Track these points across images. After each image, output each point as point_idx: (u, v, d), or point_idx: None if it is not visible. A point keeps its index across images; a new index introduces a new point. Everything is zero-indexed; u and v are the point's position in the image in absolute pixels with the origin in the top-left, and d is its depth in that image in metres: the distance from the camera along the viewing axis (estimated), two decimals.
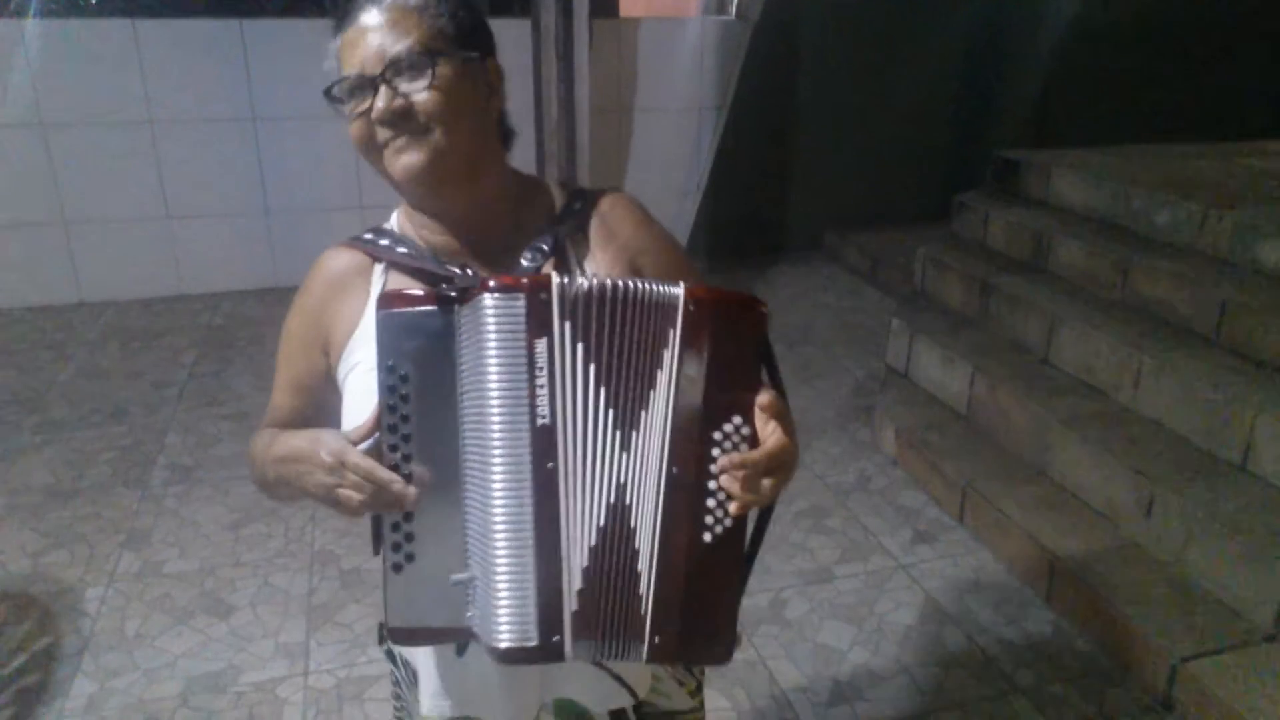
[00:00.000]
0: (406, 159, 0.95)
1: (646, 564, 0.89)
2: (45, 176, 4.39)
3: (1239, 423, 2.53)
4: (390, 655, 1.19)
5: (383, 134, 0.95)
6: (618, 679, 1.09)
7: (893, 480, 3.15)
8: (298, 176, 4.75)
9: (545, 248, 1.03)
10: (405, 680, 1.18)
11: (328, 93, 0.97)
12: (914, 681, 2.25)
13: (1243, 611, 2.26)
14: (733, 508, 0.89)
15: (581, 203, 1.08)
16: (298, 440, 0.95)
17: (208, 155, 4.58)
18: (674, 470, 0.89)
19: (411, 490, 0.88)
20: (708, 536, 0.89)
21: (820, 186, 5.44)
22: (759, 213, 5.47)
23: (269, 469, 1.01)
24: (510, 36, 4.79)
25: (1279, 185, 3.70)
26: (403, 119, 0.94)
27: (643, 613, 0.90)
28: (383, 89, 0.93)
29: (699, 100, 5.21)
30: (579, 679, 1.09)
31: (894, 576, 2.64)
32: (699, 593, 0.90)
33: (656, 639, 0.90)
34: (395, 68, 0.93)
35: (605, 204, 1.09)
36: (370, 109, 0.94)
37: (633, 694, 1.11)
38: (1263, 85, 5.82)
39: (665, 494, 0.89)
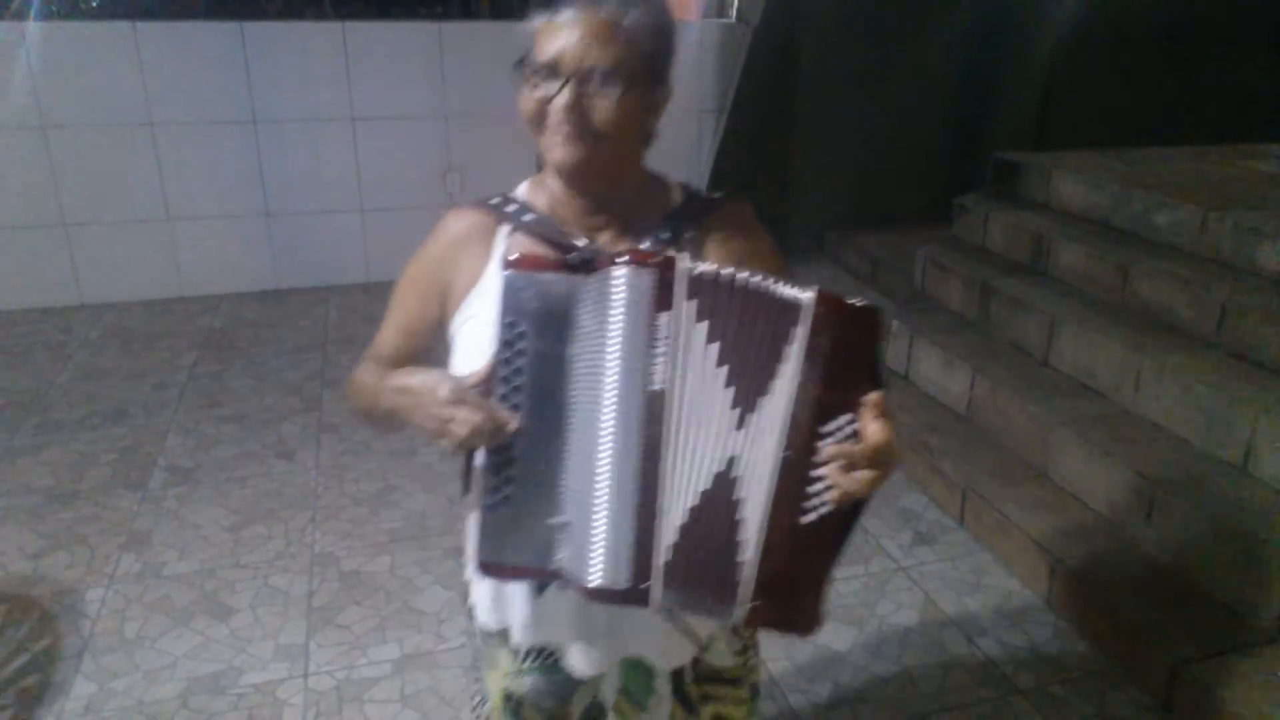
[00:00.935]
0: (565, 153, 1.03)
1: (751, 536, 0.96)
2: (46, 178, 4.39)
3: (1239, 425, 2.53)
4: (471, 614, 1.28)
5: (554, 120, 1.02)
6: (686, 632, 1.17)
7: (893, 482, 3.12)
8: (298, 179, 4.75)
9: (665, 237, 1.11)
10: (481, 635, 1.26)
11: (518, 65, 1.04)
12: (914, 683, 2.25)
13: (1243, 613, 2.26)
14: (831, 495, 0.96)
15: (699, 204, 1.16)
16: (417, 377, 1.03)
17: (208, 157, 4.58)
18: (788, 455, 0.95)
19: (511, 427, 0.96)
20: (807, 519, 0.97)
21: (820, 188, 5.44)
22: (759, 214, 5.45)
23: (383, 397, 1.08)
24: (511, 38, 4.79)
25: (1279, 186, 3.70)
26: (577, 119, 1.01)
27: (741, 579, 0.97)
28: (570, 87, 1.00)
29: (699, 102, 5.22)
30: (649, 636, 1.17)
31: (894, 578, 2.64)
32: (795, 568, 0.98)
33: (754, 605, 0.97)
34: (589, 75, 1.00)
35: (723, 209, 1.17)
36: (551, 97, 1.01)
37: (697, 644, 1.20)
38: (1263, 87, 5.82)
39: (779, 477, 0.96)
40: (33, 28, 4.21)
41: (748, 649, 1.28)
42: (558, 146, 1.03)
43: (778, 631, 1.02)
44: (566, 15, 1.00)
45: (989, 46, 5.46)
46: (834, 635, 2.40)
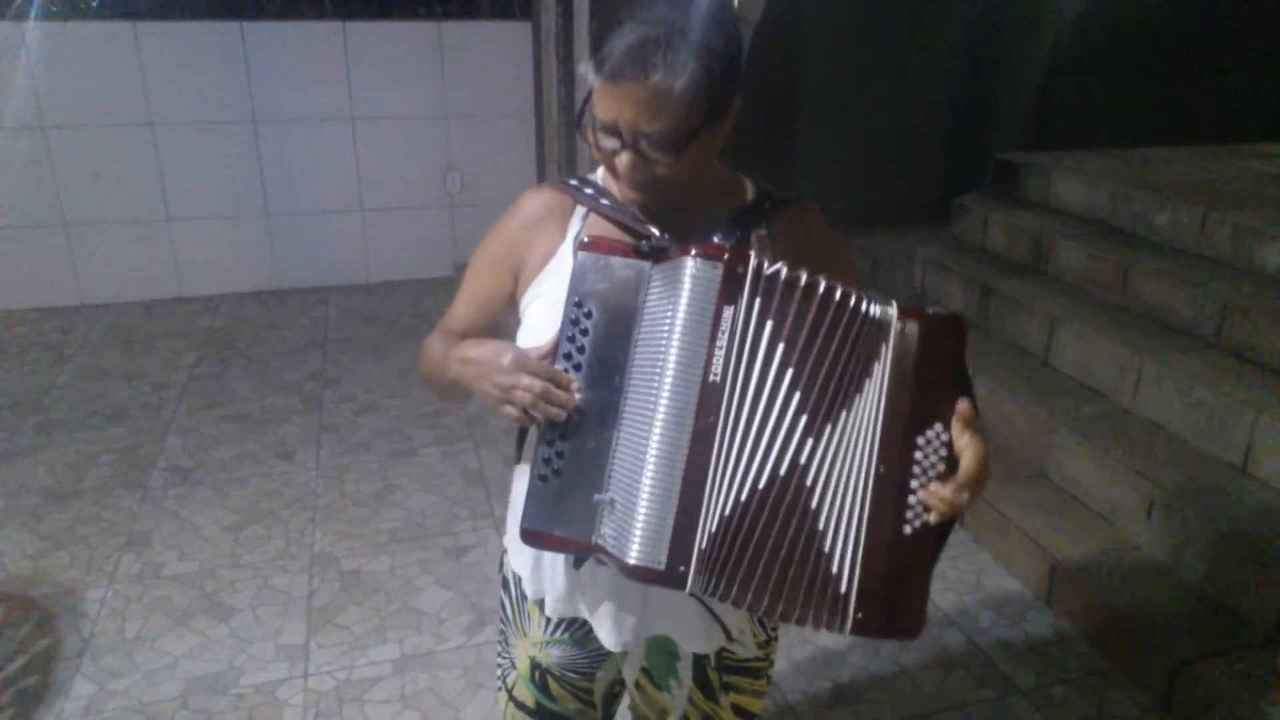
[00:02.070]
0: (632, 197, 1.07)
1: (841, 546, 0.97)
2: (46, 178, 4.39)
3: (1239, 425, 2.53)
4: (505, 583, 1.31)
5: (618, 170, 1.04)
6: (716, 619, 1.19)
7: None
8: (298, 179, 4.75)
9: (736, 233, 1.12)
10: (514, 601, 1.29)
11: (579, 121, 1.06)
12: (914, 683, 2.25)
13: (1243, 614, 2.26)
14: (932, 519, 0.98)
15: (771, 203, 1.17)
16: (482, 347, 1.05)
17: (208, 157, 4.59)
18: (881, 470, 0.97)
19: (576, 396, 0.98)
20: (908, 529, 0.98)
21: (820, 188, 5.44)
22: None
23: (450, 366, 1.09)
24: (511, 38, 4.81)
25: (1279, 187, 3.70)
26: (640, 174, 1.03)
27: (843, 590, 0.98)
28: (629, 150, 1.01)
29: None
30: (680, 619, 1.18)
31: None
32: (897, 576, 0.99)
33: (860, 614, 0.98)
34: (645, 140, 1.00)
35: (795, 210, 1.17)
36: (614, 151, 1.03)
37: (726, 633, 1.21)
38: (1263, 86, 5.82)
39: (873, 490, 0.97)
40: (33, 28, 4.21)
41: (770, 641, 1.30)
42: (625, 190, 1.07)
43: (883, 638, 1.03)
44: (620, 82, 0.97)
45: (989, 46, 5.46)
46: (835, 636, 2.39)
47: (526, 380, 0.97)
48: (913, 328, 0.96)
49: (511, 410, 0.99)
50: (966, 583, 2.63)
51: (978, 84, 5.53)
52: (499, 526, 2.84)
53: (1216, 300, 2.90)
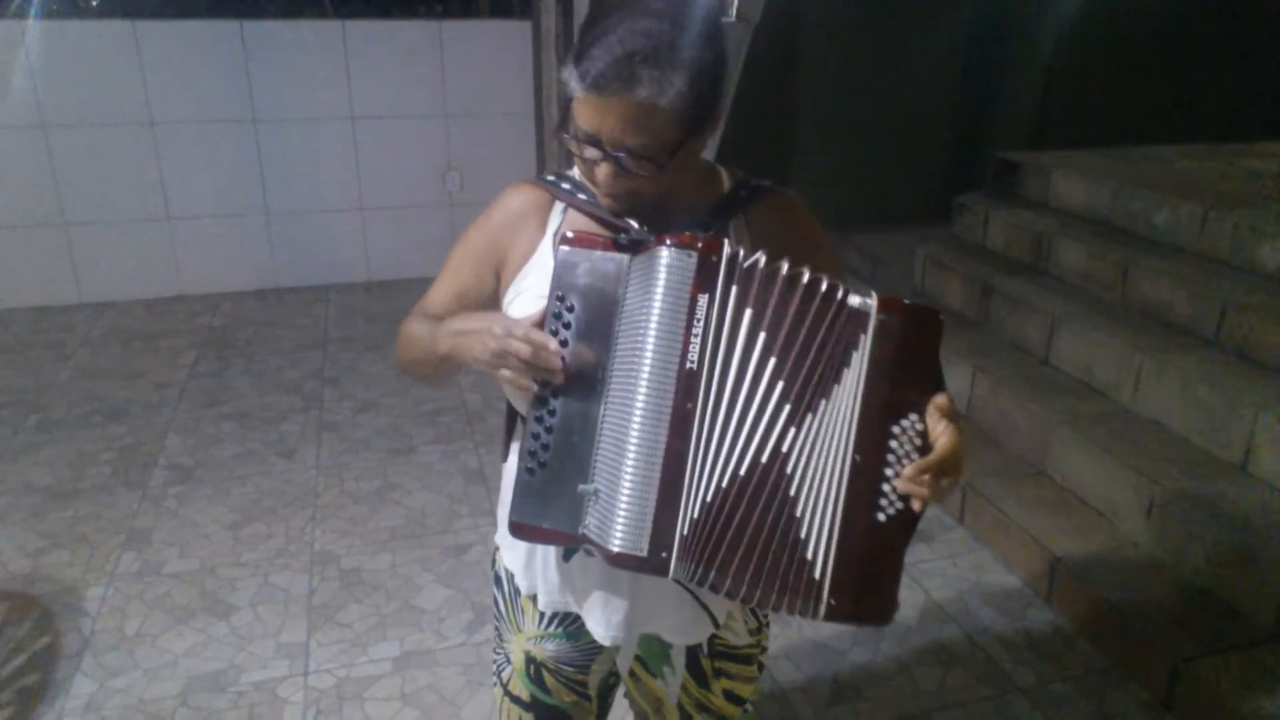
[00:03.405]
0: (610, 204, 1.08)
1: (819, 535, 0.98)
2: (46, 177, 4.39)
3: (1239, 423, 2.53)
4: (497, 580, 1.31)
5: (597, 179, 1.05)
6: (704, 607, 1.20)
7: None
8: (297, 178, 4.75)
9: (716, 224, 1.12)
10: (507, 597, 1.29)
11: (562, 127, 1.05)
12: (914, 681, 2.25)
13: (1243, 611, 2.26)
14: (915, 505, 0.98)
15: (748, 192, 1.17)
16: (473, 319, 1.06)
17: (208, 156, 4.58)
18: (857, 458, 0.99)
19: (563, 362, 0.99)
20: (882, 516, 1.00)
21: (820, 187, 5.44)
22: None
23: (441, 342, 1.08)
24: (511, 38, 4.80)
25: (1278, 186, 3.70)
26: (620, 185, 1.04)
27: (817, 576, 0.99)
28: (610, 165, 1.02)
29: None
30: (669, 611, 1.19)
31: None
32: (871, 564, 1.00)
33: (833, 601, 0.99)
34: (628, 154, 1.00)
35: (772, 199, 1.17)
36: (595, 161, 1.03)
37: (714, 621, 1.21)
38: (1263, 86, 5.82)
39: (849, 479, 0.99)
40: (33, 27, 4.21)
41: (762, 629, 1.31)
42: (603, 198, 1.07)
43: (855, 624, 1.04)
44: (604, 94, 0.97)
45: (989, 46, 5.46)
46: (834, 633, 2.40)
47: (516, 343, 0.98)
48: (893, 319, 0.98)
49: (505, 373, 1.00)
50: (967, 580, 2.63)
51: (978, 84, 5.54)
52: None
53: (1216, 300, 2.90)
